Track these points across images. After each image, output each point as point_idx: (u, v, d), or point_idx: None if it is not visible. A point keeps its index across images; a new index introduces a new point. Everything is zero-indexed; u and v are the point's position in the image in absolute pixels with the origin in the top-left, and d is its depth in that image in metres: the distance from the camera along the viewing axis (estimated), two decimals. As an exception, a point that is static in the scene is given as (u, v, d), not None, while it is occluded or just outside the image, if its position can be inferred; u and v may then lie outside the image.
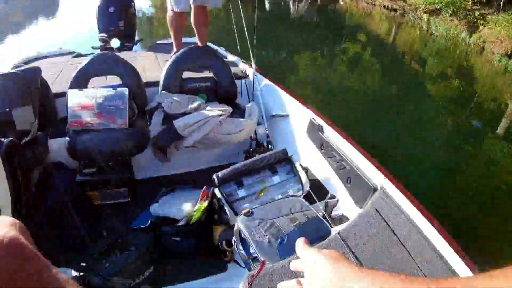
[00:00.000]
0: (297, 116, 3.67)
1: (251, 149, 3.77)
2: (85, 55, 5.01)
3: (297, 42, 15.07)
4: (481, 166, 6.69)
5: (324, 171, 3.23)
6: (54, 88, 3.76)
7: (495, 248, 4.20)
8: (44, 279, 0.64)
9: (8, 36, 13.91)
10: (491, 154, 7.23)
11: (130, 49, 5.75)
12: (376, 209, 2.35)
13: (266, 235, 2.24)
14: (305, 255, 0.83)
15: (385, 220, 2.26)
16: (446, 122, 8.49)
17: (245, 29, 4.26)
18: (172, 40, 4.84)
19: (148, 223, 3.00)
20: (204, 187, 2.96)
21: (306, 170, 3.19)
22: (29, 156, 2.85)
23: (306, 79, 10.98)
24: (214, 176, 2.86)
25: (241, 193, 2.90)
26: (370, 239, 2.19)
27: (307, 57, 12.86)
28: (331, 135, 3.18)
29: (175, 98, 3.63)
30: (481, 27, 14.61)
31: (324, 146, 3.20)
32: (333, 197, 3.00)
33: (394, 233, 2.18)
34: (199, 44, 4.64)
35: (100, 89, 3.45)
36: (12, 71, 3.34)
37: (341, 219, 2.84)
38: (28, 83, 3.20)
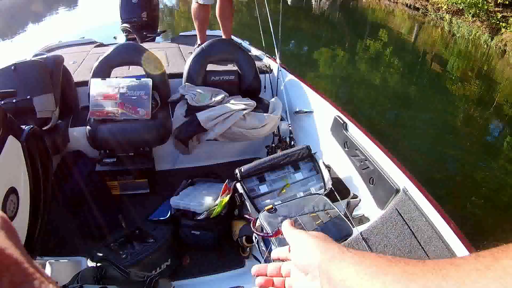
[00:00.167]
0: (321, 113, 3.60)
1: (274, 145, 3.73)
2: (108, 45, 5.00)
3: (319, 37, 15.03)
4: (501, 169, 6.60)
5: (346, 170, 3.18)
6: (76, 77, 3.74)
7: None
8: None
9: (29, 24, 13.99)
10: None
11: (153, 40, 5.72)
12: (398, 211, 2.33)
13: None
14: (293, 235, 0.82)
15: (406, 223, 2.24)
16: (465, 124, 8.40)
17: (270, 23, 4.21)
18: (196, 32, 4.79)
19: (168, 215, 2.98)
20: (226, 181, 2.93)
21: (328, 168, 3.14)
22: (49, 144, 2.83)
23: (327, 74, 10.95)
24: (237, 170, 2.82)
25: (263, 188, 2.86)
26: (391, 241, 2.17)
27: (328, 53, 12.80)
28: (356, 133, 3.12)
29: (198, 90, 3.59)
30: (503, 30, 14.41)
31: (348, 145, 3.15)
32: (355, 196, 2.96)
33: (415, 237, 2.16)
34: (224, 37, 4.60)
35: (123, 79, 3.42)
36: (34, 58, 3.32)
37: (361, 219, 2.80)
38: (50, 71, 3.18)
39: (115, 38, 5.81)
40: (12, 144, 2.02)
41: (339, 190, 2.95)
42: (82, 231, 2.96)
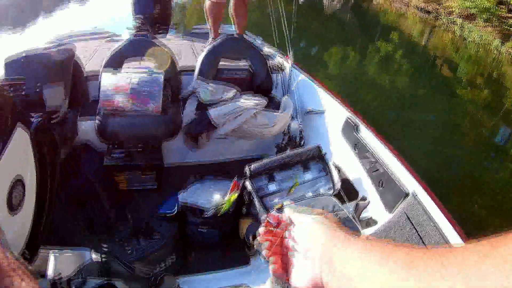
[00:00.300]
0: (333, 114, 3.58)
1: (283, 144, 3.72)
2: (119, 37, 4.97)
3: (330, 37, 15.00)
4: (503, 178, 6.56)
5: (356, 172, 3.16)
6: (87, 69, 3.71)
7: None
8: None
9: (41, 14, 13.99)
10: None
11: (165, 34, 5.70)
12: (407, 215, 2.32)
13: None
14: (298, 216, 0.82)
15: (415, 228, 2.23)
16: (474, 127, 8.40)
17: (284, 22, 4.18)
18: (209, 27, 4.77)
19: (175, 210, 2.96)
20: (235, 178, 2.91)
21: (338, 169, 3.12)
22: (58, 136, 2.81)
23: (336, 74, 10.93)
24: (247, 168, 2.80)
25: (272, 187, 2.84)
26: None
27: (338, 53, 12.79)
28: (367, 135, 3.09)
29: (210, 86, 3.56)
30: (514, 36, 14.37)
31: (358, 147, 3.12)
32: (364, 198, 2.93)
33: (423, 242, 2.14)
34: (237, 33, 4.58)
35: (134, 72, 3.39)
36: (45, 48, 3.30)
37: (369, 222, 2.77)
38: (61, 62, 3.15)
39: (128, 29, 5.79)
40: (21, 134, 2.00)
41: (347, 191, 2.94)
42: (88, 224, 2.95)
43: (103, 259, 2.34)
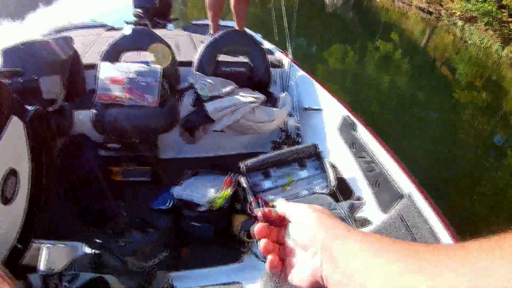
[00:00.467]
0: (330, 112, 3.57)
1: (280, 140, 3.72)
2: (119, 29, 4.95)
3: (330, 35, 15.00)
4: (503, 179, 6.57)
5: (352, 171, 3.14)
6: (85, 60, 3.68)
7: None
8: None
9: (40, 5, 13.94)
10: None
11: (164, 27, 5.68)
12: (402, 217, 2.31)
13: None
14: (293, 209, 0.79)
15: (409, 230, 2.22)
16: (472, 128, 8.42)
17: (284, 18, 4.16)
18: (209, 21, 4.75)
19: (169, 204, 2.95)
20: (229, 174, 2.90)
21: (334, 167, 3.11)
22: (54, 126, 2.80)
23: (336, 72, 10.94)
24: (243, 165, 2.79)
25: (267, 184, 2.84)
26: None
27: (338, 51, 12.77)
28: (364, 135, 3.09)
29: (208, 80, 3.54)
30: (515, 40, 14.38)
31: (355, 146, 3.11)
32: (359, 198, 2.92)
33: None
34: (237, 28, 4.56)
35: (132, 64, 3.38)
36: (43, 38, 3.28)
37: (364, 222, 2.76)
38: (59, 52, 3.13)
39: (126, 22, 5.76)
40: (15, 124, 1.99)
41: (343, 190, 2.94)
42: (82, 216, 2.94)
43: (96, 253, 2.33)
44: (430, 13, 19.46)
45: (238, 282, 2.46)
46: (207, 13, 4.56)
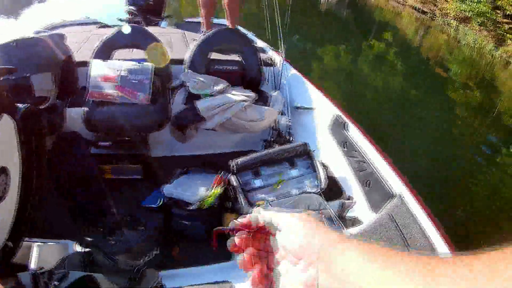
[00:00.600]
0: (322, 111, 3.58)
1: (271, 139, 3.71)
2: (111, 27, 4.94)
3: (324, 33, 15.00)
4: (495, 180, 6.61)
5: (343, 170, 3.16)
6: (77, 57, 3.68)
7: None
8: None
9: (34, 2, 13.87)
10: (506, 169, 7.12)
11: (157, 24, 5.67)
12: (392, 217, 2.32)
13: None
14: (281, 216, 0.71)
15: (399, 229, 2.23)
16: (465, 128, 8.47)
17: (277, 16, 4.17)
18: (201, 19, 4.74)
19: (159, 202, 2.95)
20: (220, 173, 2.91)
21: (325, 167, 3.12)
22: (45, 124, 2.79)
23: (329, 71, 10.94)
24: (233, 163, 2.80)
25: (257, 183, 2.85)
26: None
27: (332, 50, 12.77)
28: (355, 134, 3.10)
29: (200, 78, 3.53)
30: (509, 41, 14.40)
31: (346, 145, 3.12)
32: (350, 198, 2.94)
33: (407, 244, 2.14)
34: (229, 26, 4.56)
35: (124, 62, 3.37)
36: (35, 35, 3.27)
37: (354, 221, 2.77)
38: (51, 49, 3.13)
39: (119, 20, 5.74)
40: (6, 122, 1.98)
41: (333, 190, 2.95)
42: (72, 214, 2.93)
43: (86, 251, 2.33)
44: (425, 12, 19.51)
45: (228, 281, 2.47)
46: (200, 11, 4.57)
